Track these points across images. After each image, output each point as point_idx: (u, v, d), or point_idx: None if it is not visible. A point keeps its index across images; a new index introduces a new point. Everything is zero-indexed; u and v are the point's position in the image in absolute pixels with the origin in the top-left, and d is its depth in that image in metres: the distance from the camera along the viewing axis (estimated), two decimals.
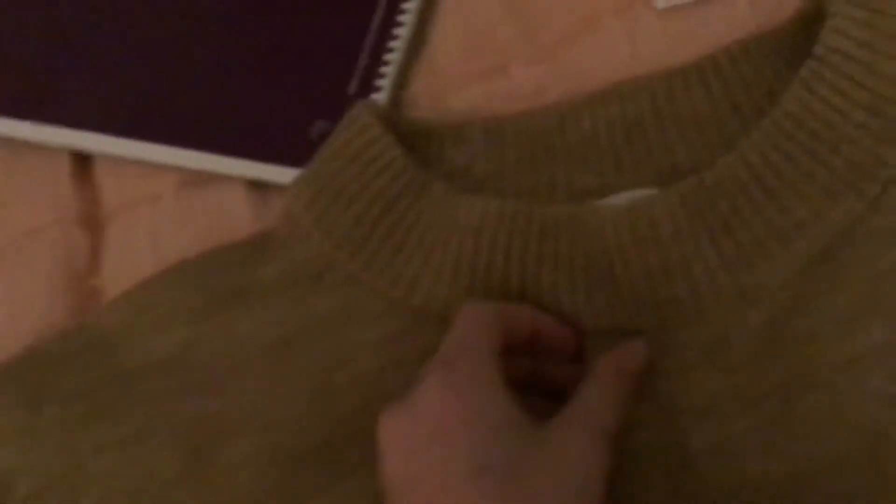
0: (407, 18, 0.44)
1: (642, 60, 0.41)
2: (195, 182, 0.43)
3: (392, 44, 0.44)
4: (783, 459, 0.32)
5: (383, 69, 0.44)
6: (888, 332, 0.32)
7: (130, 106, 0.45)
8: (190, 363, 0.38)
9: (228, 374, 0.37)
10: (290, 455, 0.36)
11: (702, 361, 0.33)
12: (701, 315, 0.34)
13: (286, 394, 0.37)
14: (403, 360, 0.36)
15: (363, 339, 0.37)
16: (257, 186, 0.43)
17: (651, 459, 0.33)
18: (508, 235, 0.36)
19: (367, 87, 0.43)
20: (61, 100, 0.45)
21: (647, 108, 0.38)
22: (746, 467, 0.32)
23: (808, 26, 0.37)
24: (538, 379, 0.35)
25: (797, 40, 0.38)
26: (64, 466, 0.37)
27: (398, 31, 0.44)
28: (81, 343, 0.39)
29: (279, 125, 0.43)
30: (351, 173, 0.38)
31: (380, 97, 0.43)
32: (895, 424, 0.31)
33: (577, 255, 0.35)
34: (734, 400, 0.33)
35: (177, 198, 0.43)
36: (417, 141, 0.40)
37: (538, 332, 0.35)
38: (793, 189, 0.34)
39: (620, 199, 0.37)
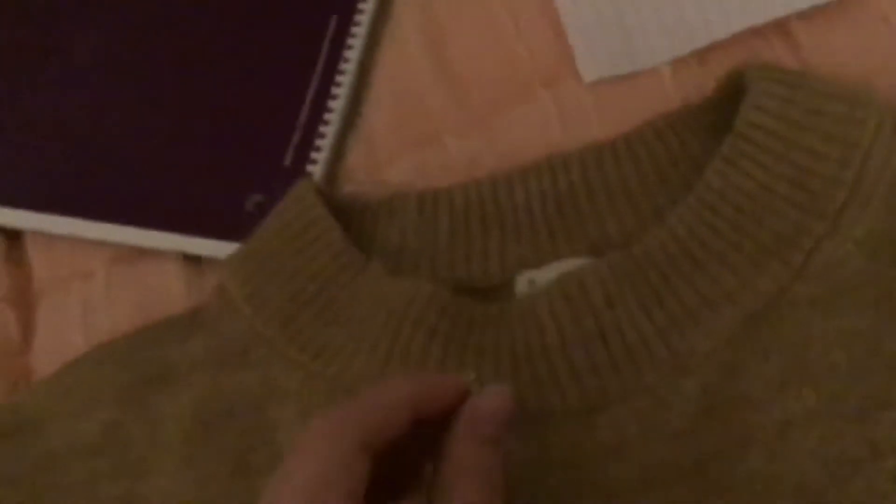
0: (341, 91, 0.45)
1: (572, 131, 0.42)
2: (128, 257, 0.43)
3: (327, 116, 0.44)
4: None
5: (318, 142, 0.44)
6: (818, 397, 0.33)
7: (58, 181, 0.44)
8: (113, 446, 0.37)
9: (151, 456, 0.36)
10: None
11: (642, 433, 0.34)
12: (638, 382, 0.34)
13: (205, 476, 0.36)
14: None
15: (280, 417, 0.36)
16: (191, 260, 0.42)
17: None
18: (436, 320, 0.36)
19: (303, 159, 0.44)
20: None
21: (578, 179, 0.39)
22: None
23: (730, 100, 0.39)
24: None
25: (721, 114, 0.39)
26: None
27: (332, 103, 0.45)
28: (9, 425, 0.38)
29: (213, 198, 0.43)
30: (290, 252, 0.38)
31: (315, 169, 0.43)
32: (833, 485, 0.32)
33: (504, 342, 0.35)
34: (674, 468, 0.33)
35: (109, 274, 0.43)
36: (353, 217, 0.40)
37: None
38: (719, 260, 0.35)
39: (551, 269, 0.37)
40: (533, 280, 0.37)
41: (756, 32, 0.42)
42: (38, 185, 0.44)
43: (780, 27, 0.42)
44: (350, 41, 0.46)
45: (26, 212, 0.44)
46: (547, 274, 0.37)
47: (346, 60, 0.45)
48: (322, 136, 0.44)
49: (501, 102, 0.44)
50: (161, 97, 0.46)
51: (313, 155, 0.44)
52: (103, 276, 0.43)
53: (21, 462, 0.37)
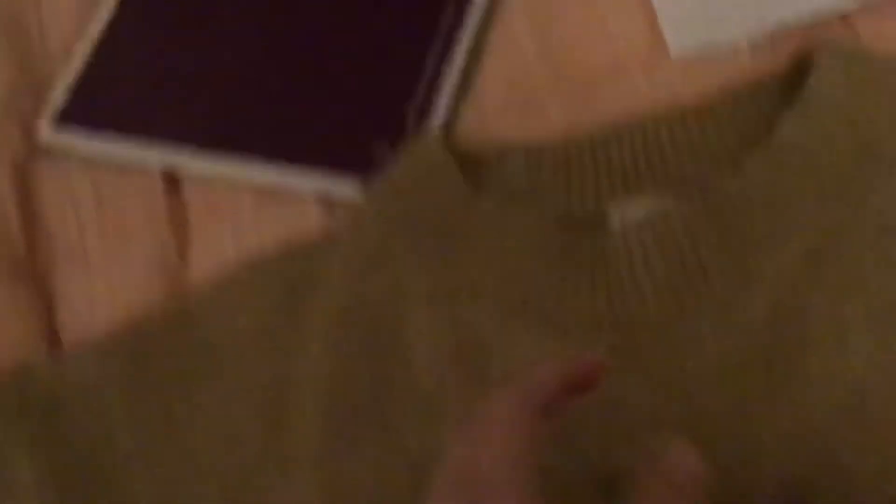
0: (455, 63, 0.52)
1: (661, 104, 0.49)
2: (271, 198, 0.50)
3: (442, 85, 0.51)
4: (788, 407, 0.38)
5: (435, 108, 0.51)
6: (869, 309, 0.39)
7: (213, 120, 0.52)
8: (267, 337, 0.44)
9: (297, 346, 0.43)
10: (349, 409, 0.42)
11: (716, 337, 0.40)
12: (712, 296, 0.40)
13: (344, 358, 0.43)
14: (439, 333, 0.42)
15: (408, 315, 0.43)
16: (325, 203, 0.50)
17: (664, 423, 0.39)
18: (547, 250, 0.42)
19: (421, 122, 0.51)
20: (154, 116, 0.53)
21: (666, 135, 0.46)
22: (756, 419, 0.38)
23: (801, 73, 0.45)
24: None
25: (792, 84, 0.45)
26: (160, 421, 0.43)
27: (447, 74, 0.52)
28: (173, 321, 0.46)
29: (344, 139, 0.50)
30: (415, 188, 0.45)
31: (435, 120, 0.50)
32: (885, 384, 0.38)
33: (599, 269, 0.42)
34: (742, 367, 0.39)
35: (255, 210, 0.50)
36: (467, 164, 0.47)
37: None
38: (787, 201, 0.41)
39: (640, 202, 0.44)
40: (624, 213, 0.44)
41: (822, 22, 0.48)
42: (194, 124, 0.52)
43: (842, 18, 0.48)
44: (465, 20, 0.53)
45: (182, 151, 0.51)
46: (636, 207, 0.43)
47: (460, 39, 0.53)
48: (437, 104, 0.51)
49: (598, 78, 0.51)
50: (303, 45, 0.54)
51: (434, 106, 0.50)
52: (250, 212, 0.50)
53: (185, 350, 0.44)
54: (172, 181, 0.52)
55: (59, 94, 0.54)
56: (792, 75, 0.46)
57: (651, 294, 0.41)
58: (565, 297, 0.42)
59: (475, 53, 0.53)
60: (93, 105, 0.54)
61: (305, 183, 0.50)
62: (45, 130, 0.53)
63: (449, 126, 0.51)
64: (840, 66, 0.44)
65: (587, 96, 0.50)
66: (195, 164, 0.51)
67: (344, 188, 0.49)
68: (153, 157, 0.52)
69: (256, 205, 0.50)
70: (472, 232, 0.44)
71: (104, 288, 0.49)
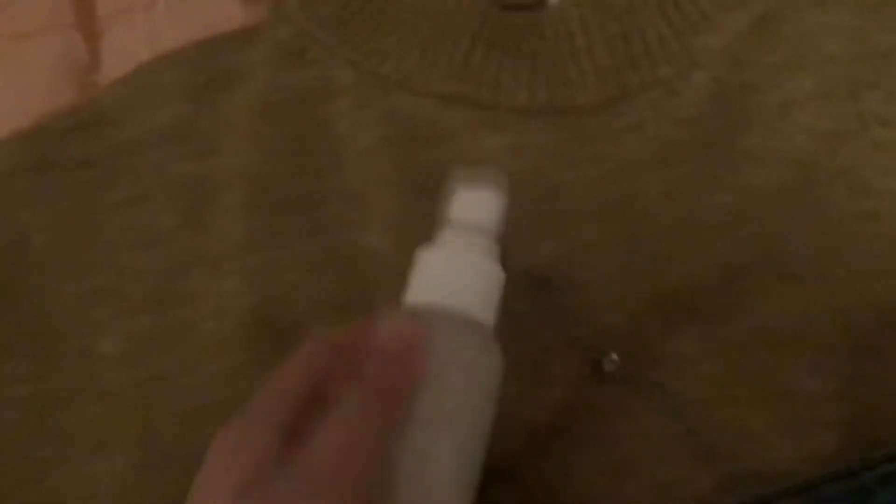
0: None
1: None
2: None
3: None
4: (730, 191, 0.37)
5: None
6: (814, 81, 0.38)
7: None
8: (185, 133, 0.41)
9: (221, 140, 0.41)
10: (276, 204, 0.40)
11: (655, 117, 0.39)
12: (655, 75, 0.39)
13: (268, 153, 0.40)
14: (370, 124, 0.40)
15: (336, 110, 0.41)
16: None
17: (608, 207, 0.38)
18: (478, 27, 0.40)
19: None
20: None
21: None
22: (698, 203, 0.38)
23: None
24: None
25: None
26: (76, 222, 0.40)
27: None
28: (84, 117, 0.42)
29: None
30: None
31: None
32: (823, 154, 0.37)
33: (538, 47, 0.40)
34: (684, 147, 0.38)
35: (170, 5, 0.47)
36: None
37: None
38: None
39: None
40: None
41: None
42: None
43: None
44: None
45: None
46: None
47: None
48: None
49: None
50: None
51: None
52: (164, 5, 0.46)
53: (98, 148, 0.42)
54: None
55: None
56: None
57: (593, 78, 0.39)
58: (502, 86, 0.40)
59: None
60: None
61: None
62: None
63: None
64: None
65: None
66: None
67: None
68: None
69: (171, 0, 0.47)
70: (403, 16, 0.41)
71: (6, 92, 0.45)
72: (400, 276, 0.33)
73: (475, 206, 0.34)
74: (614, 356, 0.37)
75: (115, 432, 0.38)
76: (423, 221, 0.34)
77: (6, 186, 0.41)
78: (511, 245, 0.38)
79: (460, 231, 0.33)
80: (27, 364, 0.39)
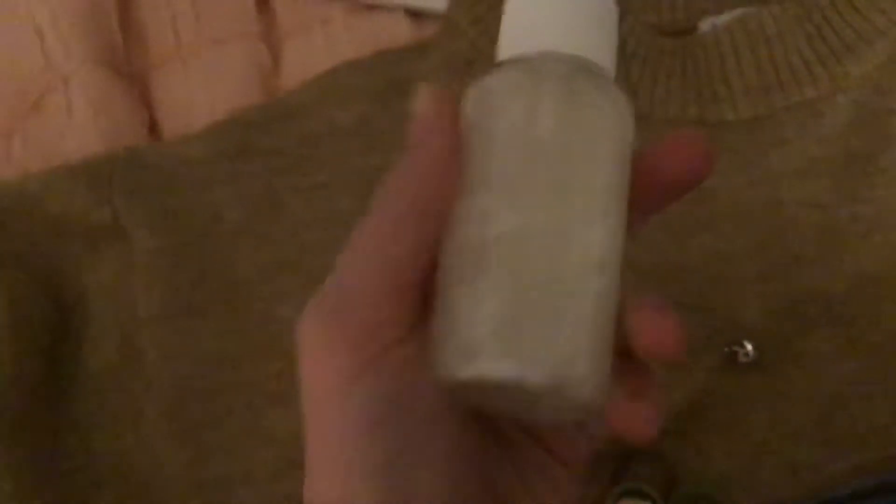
0: None
1: None
2: (361, 9, 0.52)
3: None
4: (866, 203, 0.41)
5: None
6: None
7: None
8: (365, 130, 0.46)
9: (398, 139, 0.45)
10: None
11: (799, 134, 0.42)
12: (801, 97, 0.42)
13: None
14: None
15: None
16: (415, 14, 0.51)
17: (751, 212, 0.42)
18: (635, 47, 0.44)
19: None
20: None
21: None
22: (835, 213, 0.41)
23: None
24: None
25: None
26: (264, 202, 0.45)
27: None
28: (275, 112, 0.48)
29: None
30: None
31: None
32: None
33: (690, 67, 0.44)
34: (825, 162, 0.42)
35: (346, 21, 0.52)
36: None
37: None
38: (872, 3, 0.43)
39: (731, 15, 0.45)
40: (715, 24, 0.46)
41: None
42: None
43: None
44: None
45: None
46: (727, 18, 0.45)
47: None
48: None
49: None
50: None
51: None
52: (341, 23, 0.52)
53: (287, 139, 0.47)
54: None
55: None
56: None
57: (741, 95, 0.43)
58: (656, 99, 0.44)
59: None
60: None
61: None
62: None
63: None
64: None
65: None
66: None
67: (433, 2, 0.51)
68: None
69: (346, 17, 0.52)
70: None
71: (201, 90, 0.50)
72: None
73: None
74: (749, 347, 0.41)
75: (293, 387, 0.42)
76: None
77: (207, 169, 0.46)
78: (658, 242, 0.42)
79: None
80: (217, 323, 0.44)
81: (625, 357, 0.26)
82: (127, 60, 0.52)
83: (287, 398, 0.42)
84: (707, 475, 0.40)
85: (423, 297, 0.27)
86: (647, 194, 0.28)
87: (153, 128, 0.50)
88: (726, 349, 0.41)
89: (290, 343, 0.44)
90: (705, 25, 0.46)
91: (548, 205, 0.26)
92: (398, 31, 0.51)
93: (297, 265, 0.44)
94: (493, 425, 0.28)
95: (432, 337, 0.26)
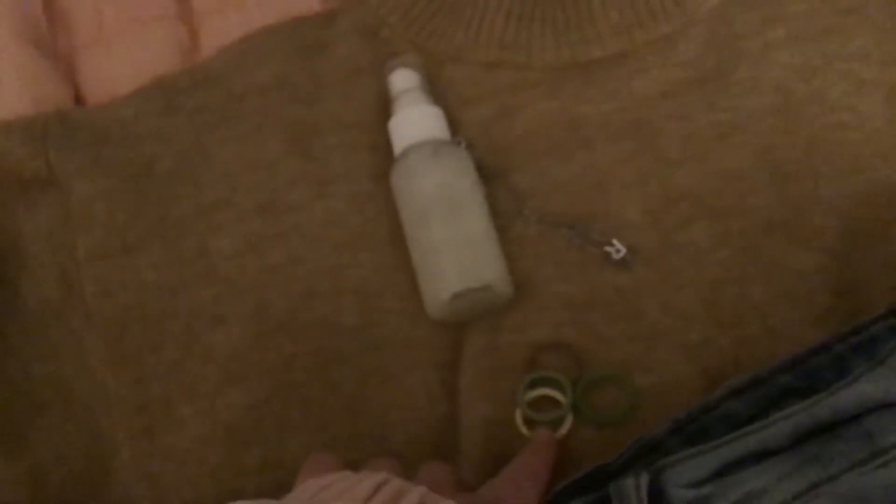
0: None
1: None
2: None
3: None
4: (725, 111, 0.47)
5: None
6: (787, 30, 0.48)
7: None
8: (285, 86, 0.51)
9: (318, 93, 0.50)
10: (368, 146, 0.49)
11: (659, 63, 0.49)
12: (658, 32, 0.49)
13: (360, 107, 0.50)
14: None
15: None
16: None
17: (622, 130, 0.48)
18: (509, 4, 0.50)
19: None
20: None
21: None
22: (699, 121, 0.47)
23: None
24: None
25: None
26: (194, 152, 0.49)
27: None
28: (198, 77, 0.52)
29: None
30: None
31: None
32: (798, 82, 0.47)
33: (559, 16, 0.50)
34: (685, 82, 0.48)
35: (260, 2, 0.56)
36: None
37: None
38: None
39: None
40: None
41: None
42: None
43: None
44: None
45: None
46: None
47: None
48: None
49: None
50: None
51: None
52: (256, 2, 0.56)
53: (211, 98, 0.51)
54: None
55: None
56: None
57: (607, 35, 0.49)
58: (534, 49, 0.50)
59: None
60: None
61: None
62: None
63: None
64: None
65: None
66: None
67: None
68: None
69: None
70: (453, 3, 0.51)
71: (125, 69, 0.54)
72: None
73: (405, 78, 0.49)
74: (615, 243, 0.46)
75: (230, 309, 0.46)
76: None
77: (135, 126, 0.50)
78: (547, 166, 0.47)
79: (402, 96, 0.49)
80: (154, 257, 0.47)
81: None
82: (52, 42, 0.55)
83: (224, 319, 0.45)
84: (609, 360, 0.45)
85: None
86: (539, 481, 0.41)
87: (79, 102, 0.54)
88: (599, 249, 0.46)
89: (228, 270, 0.47)
90: None
91: (451, 219, 0.46)
92: (308, 9, 0.56)
93: (230, 202, 0.48)
94: None
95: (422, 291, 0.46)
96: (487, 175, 0.48)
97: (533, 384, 0.44)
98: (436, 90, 0.50)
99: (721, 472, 0.39)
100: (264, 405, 0.44)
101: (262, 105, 0.50)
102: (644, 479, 0.39)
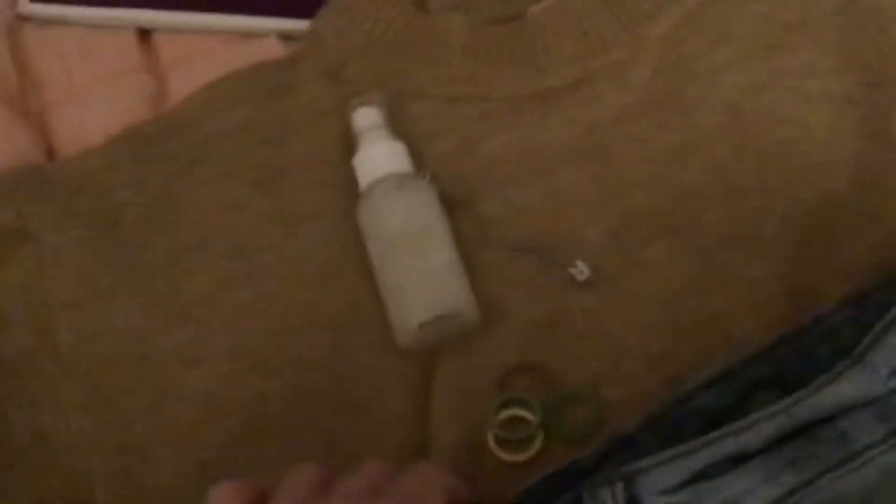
0: None
1: None
2: (238, 38, 0.58)
3: None
4: (678, 131, 0.49)
5: None
6: (734, 51, 0.50)
7: None
8: (254, 128, 0.52)
9: (286, 134, 0.52)
10: (341, 183, 0.50)
11: (612, 89, 0.50)
12: (609, 58, 0.51)
13: (330, 144, 0.51)
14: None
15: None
16: (287, 37, 0.57)
17: (580, 155, 0.49)
18: (468, 39, 0.52)
19: None
20: None
21: None
22: (654, 143, 0.49)
23: None
24: None
25: None
26: (164, 198, 0.50)
27: None
28: (167, 124, 0.53)
29: None
30: (365, 4, 0.54)
31: None
32: (747, 100, 0.49)
33: (516, 47, 0.52)
34: (638, 105, 0.50)
35: (224, 50, 0.58)
36: None
37: None
38: None
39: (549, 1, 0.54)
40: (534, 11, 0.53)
41: None
42: None
43: None
44: None
45: (154, 11, 0.58)
46: (546, 3, 0.53)
47: None
48: None
49: None
50: None
51: None
52: (220, 51, 0.58)
53: (182, 145, 0.52)
54: (145, 33, 0.59)
55: None
56: None
57: (560, 66, 0.51)
58: (493, 83, 0.52)
59: None
60: None
61: (269, 25, 0.58)
62: (23, 3, 0.60)
63: None
64: None
65: None
66: (164, 21, 0.59)
67: (303, 26, 0.57)
68: (124, 18, 0.59)
69: (224, 46, 0.58)
70: (413, 41, 0.53)
71: (96, 119, 0.55)
72: None
73: (367, 116, 0.51)
74: (579, 265, 0.47)
75: (206, 350, 0.47)
76: None
77: (107, 175, 0.51)
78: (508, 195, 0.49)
79: (365, 134, 0.50)
80: (128, 303, 0.48)
81: None
82: (23, 100, 0.57)
83: (199, 360, 0.47)
84: (577, 377, 0.46)
85: None
86: None
87: (51, 157, 0.55)
88: (564, 271, 0.47)
89: (201, 312, 0.48)
90: (532, 9, 0.54)
91: (417, 250, 0.47)
92: (272, 55, 0.57)
93: (201, 246, 0.49)
94: None
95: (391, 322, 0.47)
96: (452, 205, 0.49)
97: (503, 405, 0.45)
98: (400, 126, 0.52)
99: (697, 477, 0.39)
100: (240, 441, 0.45)
101: (230, 149, 0.52)
102: (619, 488, 0.39)
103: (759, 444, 0.39)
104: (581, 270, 0.47)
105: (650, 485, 0.39)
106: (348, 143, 0.51)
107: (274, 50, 0.57)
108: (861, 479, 0.39)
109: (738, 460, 0.39)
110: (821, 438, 0.39)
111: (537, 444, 0.45)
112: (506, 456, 0.44)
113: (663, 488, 0.39)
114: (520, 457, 0.44)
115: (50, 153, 0.55)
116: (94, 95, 0.56)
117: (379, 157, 0.49)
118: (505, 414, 0.45)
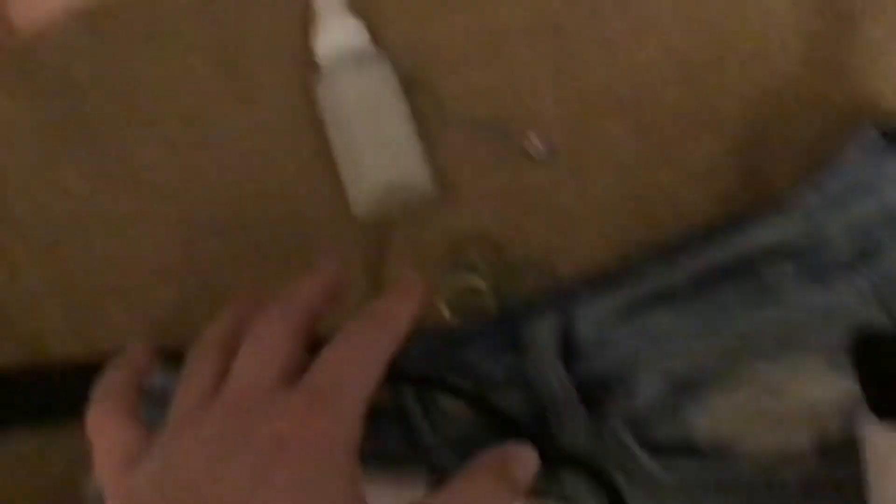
0: None
1: None
2: None
3: None
4: (631, 11, 0.49)
5: None
6: None
7: None
8: (211, 3, 0.51)
9: (240, 9, 0.51)
10: (297, 60, 0.50)
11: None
12: None
13: (284, 21, 0.51)
14: None
15: None
16: None
17: (536, 38, 0.49)
18: None
19: None
20: None
21: None
22: (609, 23, 0.49)
23: None
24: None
25: None
26: (120, 73, 0.50)
27: None
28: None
29: None
30: None
31: None
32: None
33: None
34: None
35: None
36: None
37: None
38: None
39: None
40: None
41: None
42: None
43: None
44: None
45: None
46: None
47: None
48: None
49: None
50: None
51: None
52: None
53: (135, 22, 0.51)
54: None
55: None
56: None
57: None
58: None
59: None
60: None
61: None
62: None
63: None
64: None
65: None
66: None
67: None
68: None
69: None
70: None
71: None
72: None
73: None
74: (534, 140, 0.47)
75: (157, 213, 0.47)
76: None
77: (60, 48, 0.50)
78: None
79: (325, 9, 0.50)
80: (82, 167, 0.48)
81: None
82: None
83: (152, 224, 0.47)
84: (529, 248, 0.46)
85: None
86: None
87: (10, 28, 0.55)
88: (523, 147, 0.48)
89: (152, 178, 0.48)
90: None
91: (374, 123, 0.47)
92: None
93: (157, 116, 0.49)
94: None
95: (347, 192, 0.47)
96: (410, 85, 0.49)
97: (455, 271, 0.46)
98: (359, 7, 0.52)
99: (625, 314, 0.41)
100: (193, 302, 0.45)
101: (189, 23, 0.51)
102: (553, 321, 0.41)
103: (683, 281, 0.40)
104: (533, 143, 0.48)
105: (582, 317, 0.42)
106: (308, 19, 0.51)
107: None
108: (780, 316, 0.40)
109: (664, 300, 0.41)
110: (737, 278, 0.41)
111: (489, 311, 0.45)
112: (458, 323, 0.45)
113: (594, 321, 0.40)
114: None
115: (8, 26, 0.55)
116: None
117: (338, 32, 0.49)
118: (457, 280, 0.46)
